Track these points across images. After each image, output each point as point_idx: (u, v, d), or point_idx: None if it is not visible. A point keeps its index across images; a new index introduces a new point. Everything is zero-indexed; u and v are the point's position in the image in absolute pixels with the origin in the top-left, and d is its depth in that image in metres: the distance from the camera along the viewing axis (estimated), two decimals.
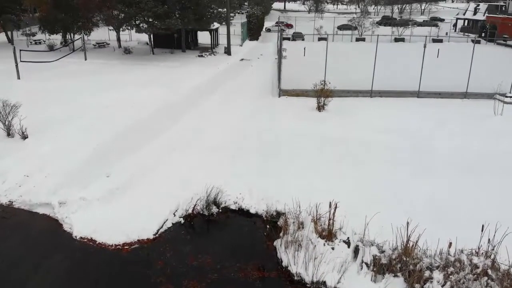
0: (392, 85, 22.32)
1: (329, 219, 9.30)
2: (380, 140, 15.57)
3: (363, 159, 13.83)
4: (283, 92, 21.90)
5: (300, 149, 14.64)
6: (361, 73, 25.51)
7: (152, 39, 37.50)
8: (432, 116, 18.58)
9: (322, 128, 16.80)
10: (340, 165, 13.37)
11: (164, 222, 10.42)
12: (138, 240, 9.79)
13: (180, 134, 16.35)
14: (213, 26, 39.05)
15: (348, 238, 9.11)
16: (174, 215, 10.71)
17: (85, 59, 33.24)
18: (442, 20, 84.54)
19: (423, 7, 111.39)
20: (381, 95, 21.58)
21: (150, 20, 33.51)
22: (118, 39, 38.94)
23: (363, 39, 49.70)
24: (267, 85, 25.37)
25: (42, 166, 13.18)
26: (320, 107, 18.87)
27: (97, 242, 9.75)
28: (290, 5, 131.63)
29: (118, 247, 9.60)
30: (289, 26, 67.33)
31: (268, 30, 67.61)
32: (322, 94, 18.68)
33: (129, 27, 35.23)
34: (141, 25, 33.90)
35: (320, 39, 50.61)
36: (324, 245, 8.91)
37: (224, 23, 39.28)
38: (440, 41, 49.35)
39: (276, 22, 71.78)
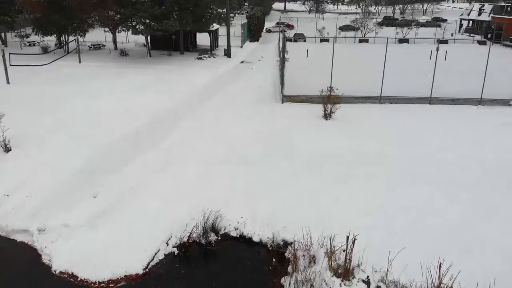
0: (402, 90, 21.07)
1: (346, 252, 8.06)
2: (392, 153, 14.33)
3: (376, 175, 12.58)
4: (286, 98, 20.64)
5: (306, 164, 13.40)
6: (368, 77, 24.28)
7: (149, 41, 36.26)
8: (448, 126, 17.33)
9: (330, 139, 15.54)
10: (351, 183, 12.12)
11: (156, 254, 9.18)
12: (125, 276, 8.55)
13: (176, 145, 15.09)
14: (212, 27, 37.77)
15: (367, 277, 7.88)
16: (167, 245, 9.46)
17: (79, 62, 31.96)
18: (444, 20, 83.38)
19: (425, 7, 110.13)
20: (391, 102, 20.32)
21: (147, 21, 32.24)
22: (114, 41, 37.65)
23: (366, 41, 48.44)
24: (268, 90, 24.12)
25: (25, 183, 11.97)
26: (327, 115, 17.59)
27: (78, 279, 8.51)
28: (290, 5, 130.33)
29: (102, 285, 8.36)
30: (290, 26, 66.03)
31: (269, 31, 66.30)
32: (329, 101, 17.41)
33: (125, 29, 33.90)
34: (137, 26, 32.60)
35: (322, 40, 49.43)
36: (341, 285, 7.68)
37: (224, 23, 38.03)
38: (446, 42, 48.08)
39: (277, 23, 70.50)
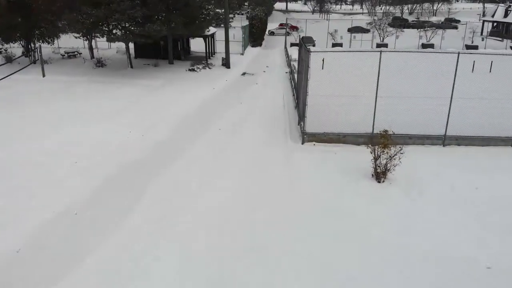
0: (466, 123, 14.92)
1: None
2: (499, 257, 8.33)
3: None
4: (308, 137, 14.55)
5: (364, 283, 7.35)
6: (411, 100, 18.40)
7: (133, 48, 30.21)
8: None
9: (397, 229, 9.34)
10: None
11: None
12: None
13: (139, 232, 8.97)
14: (208, 31, 31.65)
15: None
16: None
17: (43, 76, 25.88)
18: (457, 21, 77.57)
19: (435, 7, 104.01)
20: (458, 143, 14.22)
21: (126, 25, 26.15)
22: (90, 48, 31.54)
23: (386, 45, 42.30)
24: (280, 119, 17.95)
25: None
26: (380, 175, 11.40)
27: None
28: (291, 5, 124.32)
29: None
30: (295, 28, 59.86)
31: (272, 33, 60.25)
32: (382, 147, 11.22)
33: (98, 35, 27.70)
34: (114, 31, 26.45)
35: (334, 45, 43.50)
36: None
37: (222, 25, 31.92)
38: (475, 47, 42.13)
39: (280, 24, 64.60)
